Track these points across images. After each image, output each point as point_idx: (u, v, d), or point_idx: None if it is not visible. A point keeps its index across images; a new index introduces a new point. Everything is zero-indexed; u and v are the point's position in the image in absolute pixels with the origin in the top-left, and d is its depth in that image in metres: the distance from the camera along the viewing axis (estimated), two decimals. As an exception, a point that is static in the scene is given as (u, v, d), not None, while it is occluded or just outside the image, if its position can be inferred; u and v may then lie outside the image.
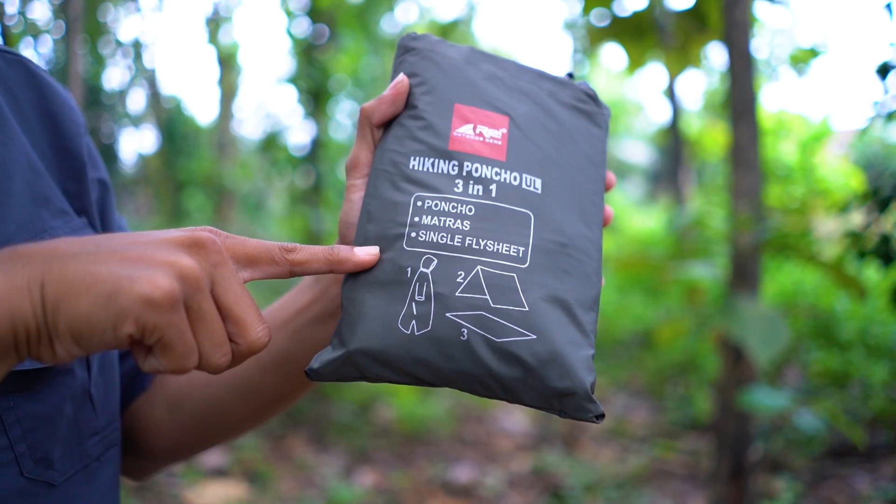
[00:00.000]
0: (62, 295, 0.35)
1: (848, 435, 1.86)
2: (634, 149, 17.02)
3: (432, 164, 0.51)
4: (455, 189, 0.50)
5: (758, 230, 1.58)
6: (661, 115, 15.50)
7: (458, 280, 0.47)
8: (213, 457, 3.43)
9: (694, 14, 2.01)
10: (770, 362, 1.39)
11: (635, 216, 11.14)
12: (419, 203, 0.49)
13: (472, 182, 0.50)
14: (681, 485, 2.92)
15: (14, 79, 0.53)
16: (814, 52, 5.51)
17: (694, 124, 8.06)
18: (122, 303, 0.35)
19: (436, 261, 0.48)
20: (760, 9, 3.08)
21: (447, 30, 12.05)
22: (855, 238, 1.87)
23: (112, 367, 0.58)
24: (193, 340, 0.39)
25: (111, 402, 0.57)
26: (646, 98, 17.37)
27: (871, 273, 3.04)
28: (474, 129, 0.52)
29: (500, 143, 0.51)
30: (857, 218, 2.13)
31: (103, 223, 0.62)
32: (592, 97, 0.57)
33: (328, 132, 5.50)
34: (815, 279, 3.97)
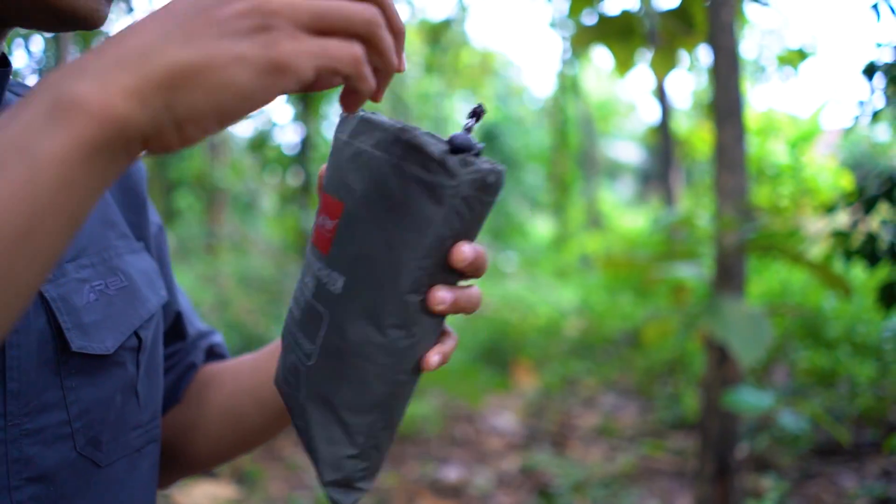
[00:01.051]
0: (188, 79, 0.34)
1: (833, 434, 1.87)
2: (625, 148, 17.08)
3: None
4: (303, 280, 0.53)
5: (742, 231, 1.59)
6: (651, 114, 15.57)
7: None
8: (201, 457, 3.43)
9: (680, 15, 2.02)
10: (754, 362, 1.39)
11: (625, 216, 11.19)
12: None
13: (306, 277, 0.52)
14: (668, 483, 2.93)
15: None
16: (802, 54, 5.55)
17: (684, 124, 8.10)
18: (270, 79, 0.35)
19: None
20: (749, 9, 3.10)
21: (438, 30, 12.05)
22: (841, 237, 1.89)
23: (157, 372, 0.63)
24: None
25: (154, 401, 0.62)
26: (636, 98, 17.42)
27: (858, 272, 3.06)
28: (322, 220, 0.50)
29: (330, 234, 0.48)
30: (844, 217, 2.15)
31: (160, 261, 0.68)
32: (441, 163, 0.43)
33: (319, 132, 5.48)
34: (803, 278, 4.00)
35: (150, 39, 0.35)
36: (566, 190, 9.41)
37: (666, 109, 6.73)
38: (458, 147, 0.44)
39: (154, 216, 0.69)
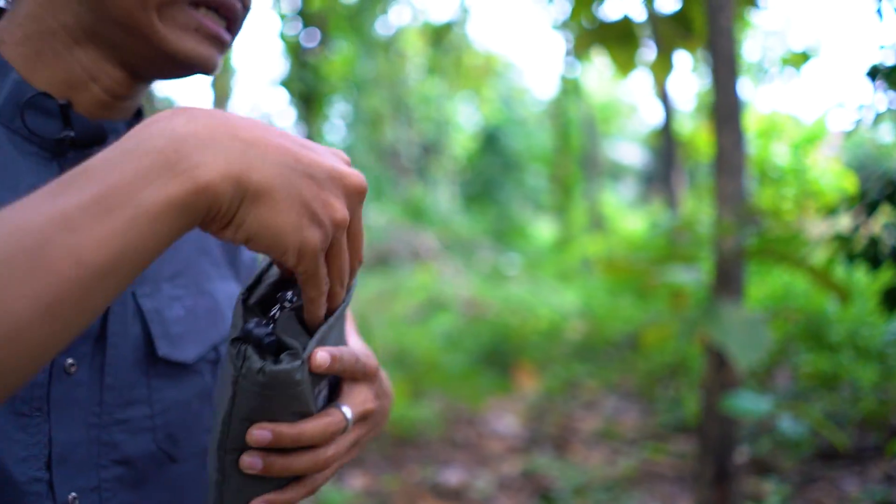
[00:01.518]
0: (260, 199, 0.42)
1: (830, 440, 1.86)
2: (628, 150, 17.06)
3: None
4: None
5: (741, 235, 1.59)
6: (654, 116, 15.55)
7: None
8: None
9: (679, 20, 2.02)
10: (752, 366, 1.39)
11: (628, 218, 11.17)
12: None
13: None
14: (670, 487, 2.93)
15: None
16: (805, 56, 5.54)
17: (687, 126, 8.09)
18: (293, 242, 0.43)
19: None
20: (750, 13, 3.10)
21: (441, 32, 12.07)
22: (843, 241, 1.88)
23: None
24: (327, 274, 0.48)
25: None
26: (639, 99, 17.40)
27: (861, 276, 3.06)
28: None
29: None
30: (846, 220, 2.14)
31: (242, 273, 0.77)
32: (232, 354, 0.48)
33: (321, 133, 5.49)
34: (805, 281, 3.99)
35: (275, 145, 0.43)
36: (568, 192, 9.41)
37: (668, 111, 6.74)
38: (247, 338, 0.48)
39: (251, 254, 0.76)
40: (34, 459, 0.51)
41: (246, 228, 0.42)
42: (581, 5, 2.17)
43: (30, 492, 0.51)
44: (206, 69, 0.59)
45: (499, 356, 4.77)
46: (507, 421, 3.89)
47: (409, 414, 3.71)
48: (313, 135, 4.99)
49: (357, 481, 3.15)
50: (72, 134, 0.56)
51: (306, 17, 4.93)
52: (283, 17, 5.20)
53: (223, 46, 0.60)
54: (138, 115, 0.64)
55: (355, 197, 0.47)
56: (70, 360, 0.54)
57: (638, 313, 5.30)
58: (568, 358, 4.87)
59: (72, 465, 0.54)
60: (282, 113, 5.37)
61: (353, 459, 2.78)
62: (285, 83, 5.05)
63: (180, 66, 0.57)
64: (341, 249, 0.48)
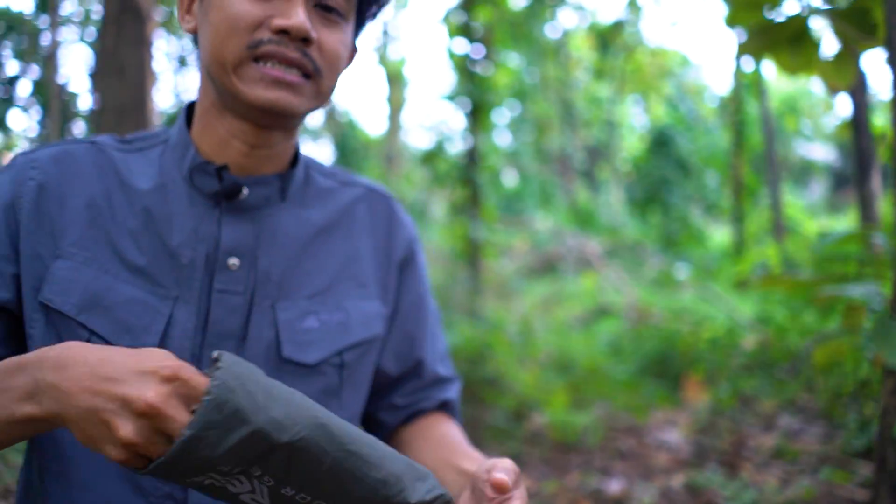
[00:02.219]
0: (71, 425, 0.58)
1: None
2: (816, 149, 15.67)
3: None
4: None
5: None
6: (845, 109, 14.18)
7: None
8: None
9: (858, 16, 1.90)
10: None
11: (815, 222, 10.28)
12: None
13: None
14: (852, 515, 2.72)
15: (381, 210, 0.90)
16: None
17: (885, 118, 7.32)
18: (101, 443, 0.57)
19: None
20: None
21: (609, 32, 11.85)
22: None
23: (361, 386, 0.86)
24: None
25: (354, 406, 0.84)
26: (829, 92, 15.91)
27: None
28: None
29: None
30: None
31: (411, 317, 0.91)
32: None
33: (490, 142, 5.65)
34: None
35: (86, 390, 0.57)
36: (746, 195, 8.86)
37: (861, 102, 6.14)
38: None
39: (416, 284, 0.91)
40: None
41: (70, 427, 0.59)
42: (739, 9, 2.10)
43: None
44: (280, 109, 0.73)
45: (665, 366, 4.64)
46: (672, 433, 3.79)
47: (571, 420, 3.74)
48: (479, 145, 5.16)
49: (518, 483, 3.24)
50: (217, 188, 0.76)
51: (472, 30, 5.11)
52: (452, 30, 5.40)
53: (293, 87, 0.72)
54: (295, 162, 0.83)
55: (164, 387, 0.56)
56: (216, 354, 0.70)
57: (821, 326, 4.90)
58: (740, 371, 4.63)
59: None
60: (451, 122, 5.59)
61: (516, 462, 2.89)
62: (451, 97, 5.27)
63: (263, 111, 0.73)
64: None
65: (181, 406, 0.55)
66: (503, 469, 0.65)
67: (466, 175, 5.22)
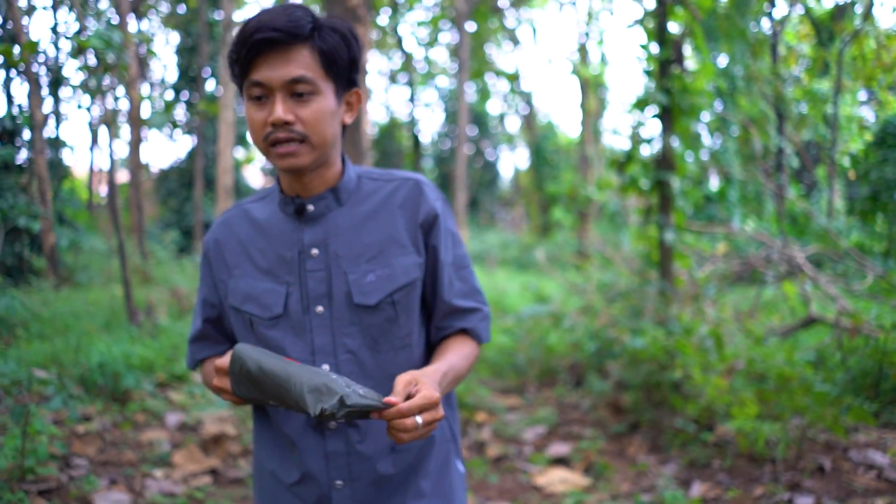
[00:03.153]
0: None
1: None
2: None
3: None
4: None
5: None
6: None
7: None
8: (558, 446, 3.86)
9: None
10: None
11: None
12: None
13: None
14: None
15: (411, 191, 1.25)
16: None
17: None
18: None
19: None
20: None
21: (828, 20, 10.89)
22: None
23: (411, 313, 1.23)
24: None
25: (409, 327, 1.23)
26: None
27: None
28: None
29: None
30: None
31: (435, 263, 1.25)
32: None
33: (683, 148, 5.54)
34: None
35: None
36: None
37: None
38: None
39: (436, 241, 1.24)
40: (306, 353, 1.18)
41: None
42: None
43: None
44: (293, 169, 1.13)
45: (878, 383, 4.29)
46: (878, 454, 3.53)
47: (761, 431, 3.62)
48: (669, 150, 5.11)
49: (701, 489, 3.24)
50: (292, 209, 1.21)
51: (666, 35, 5.07)
52: (649, 35, 5.38)
53: (293, 154, 1.11)
54: (343, 176, 1.24)
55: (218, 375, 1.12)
56: (320, 308, 1.17)
57: None
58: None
59: (322, 353, 1.18)
60: (645, 127, 5.54)
61: (697, 467, 2.96)
62: (641, 103, 5.26)
63: (286, 171, 1.16)
64: None
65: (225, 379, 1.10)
66: (396, 388, 1.01)
67: (657, 179, 5.19)
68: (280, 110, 1.07)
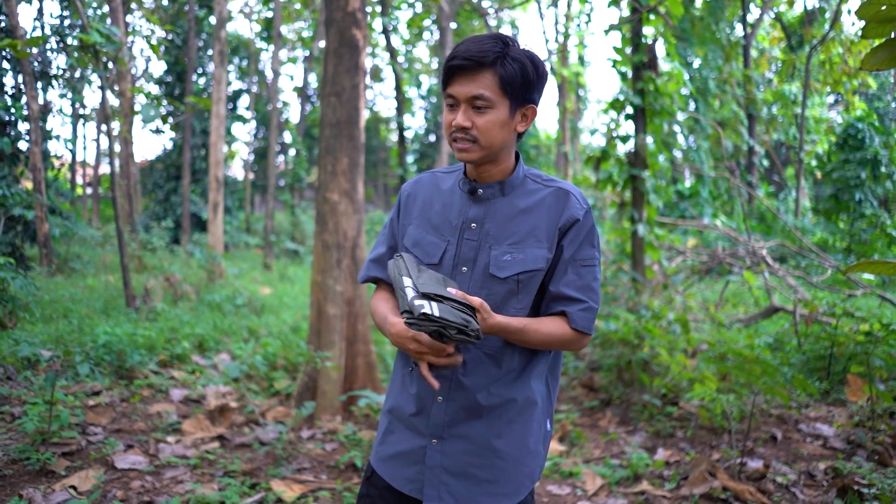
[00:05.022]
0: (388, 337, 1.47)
1: None
2: None
3: None
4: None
5: None
6: None
7: None
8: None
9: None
10: None
11: None
12: None
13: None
14: None
15: (561, 198, 1.48)
16: None
17: None
18: None
19: None
20: None
21: (799, 24, 11.34)
22: None
23: (530, 291, 1.46)
24: None
25: (526, 300, 1.47)
26: None
27: None
28: None
29: None
30: None
31: (566, 262, 1.48)
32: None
33: (658, 146, 5.89)
34: None
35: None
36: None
37: None
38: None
39: (568, 244, 1.47)
40: None
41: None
42: (873, 26, 2.31)
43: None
44: (466, 160, 1.43)
45: (830, 366, 4.68)
46: (826, 426, 3.91)
47: (720, 405, 3.98)
48: (641, 149, 5.44)
49: (662, 453, 3.59)
50: (467, 188, 1.50)
51: (640, 40, 5.40)
52: (624, 41, 5.72)
53: (466, 150, 1.40)
54: (512, 173, 1.50)
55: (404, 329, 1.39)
56: (465, 268, 1.45)
57: None
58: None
59: None
60: (620, 127, 5.88)
61: (662, 437, 3.32)
62: (613, 104, 5.61)
63: (460, 160, 1.47)
64: None
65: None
66: (473, 299, 1.35)
67: (631, 175, 5.55)
68: (461, 118, 1.38)
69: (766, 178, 16.27)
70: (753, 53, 15.02)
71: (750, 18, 14.07)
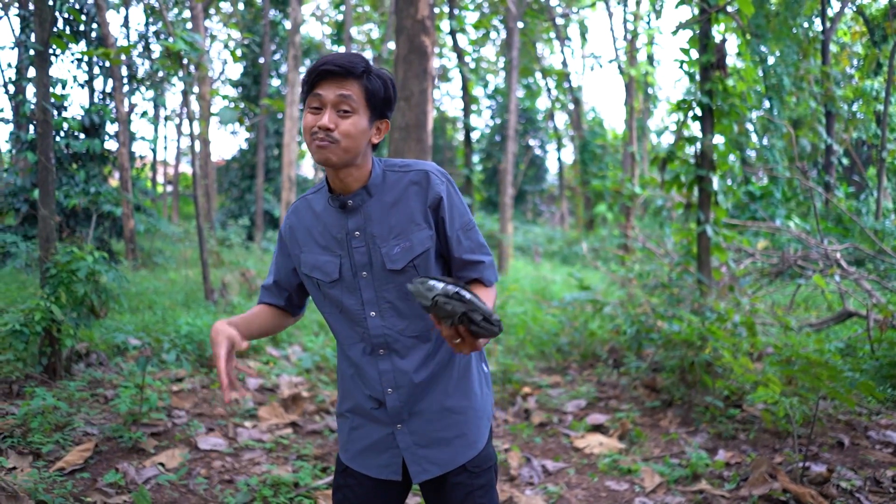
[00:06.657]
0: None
1: None
2: None
3: None
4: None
5: None
6: None
7: None
8: (597, 416, 4.26)
9: None
10: None
11: None
12: None
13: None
14: None
15: (423, 179, 1.60)
16: None
17: None
18: None
19: None
20: None
21: (885, 15, 10.89)
22: None
23: (430, 272, 1.59)
24: None
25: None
26: None
27: None
28: None
29: None
30: None
31: (447, 234, 1.60)
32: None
33: (727, 146, 5.82)
34: None
35: None
36: None
37: None
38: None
39: (443, 215, 1.58)
40: (358, 304, 1.58)
41: None
42: None
43: (359, 315, 1.59)
44: (324, 164, 1.48)
45: (903, 372, 4.55)
46: (895, 435, 3.82)
47: (783, 407, 3.95)
48: (708, 150, 5.40)
49: (723, 454, 3.59)
50: (337, 204, 1.57)
51: (708, 40, 5.36)
52: (692, 42, 5.67)
53: (325, 150, 1.45)
54: (371, 176, 1.58)
55: None
56: (364, 273, 1.55)
57: None
58: None
59: (369, 304, 1.57)
60: (688, 127, 5.83)
61: (724, 438, 3.36)
62: (680, 105, 5.57)
63: (318, 161, 1.49)
64: None
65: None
66: None
67: (697, 177, 5.51)
68: (326, 119, 1.46)
69: (845, 179, 15.65)
70: (833, 49, 14.48)
71: (830, 13, 13.58)
